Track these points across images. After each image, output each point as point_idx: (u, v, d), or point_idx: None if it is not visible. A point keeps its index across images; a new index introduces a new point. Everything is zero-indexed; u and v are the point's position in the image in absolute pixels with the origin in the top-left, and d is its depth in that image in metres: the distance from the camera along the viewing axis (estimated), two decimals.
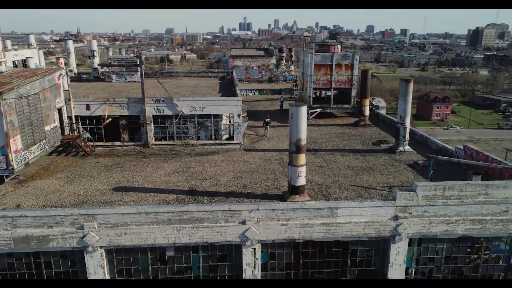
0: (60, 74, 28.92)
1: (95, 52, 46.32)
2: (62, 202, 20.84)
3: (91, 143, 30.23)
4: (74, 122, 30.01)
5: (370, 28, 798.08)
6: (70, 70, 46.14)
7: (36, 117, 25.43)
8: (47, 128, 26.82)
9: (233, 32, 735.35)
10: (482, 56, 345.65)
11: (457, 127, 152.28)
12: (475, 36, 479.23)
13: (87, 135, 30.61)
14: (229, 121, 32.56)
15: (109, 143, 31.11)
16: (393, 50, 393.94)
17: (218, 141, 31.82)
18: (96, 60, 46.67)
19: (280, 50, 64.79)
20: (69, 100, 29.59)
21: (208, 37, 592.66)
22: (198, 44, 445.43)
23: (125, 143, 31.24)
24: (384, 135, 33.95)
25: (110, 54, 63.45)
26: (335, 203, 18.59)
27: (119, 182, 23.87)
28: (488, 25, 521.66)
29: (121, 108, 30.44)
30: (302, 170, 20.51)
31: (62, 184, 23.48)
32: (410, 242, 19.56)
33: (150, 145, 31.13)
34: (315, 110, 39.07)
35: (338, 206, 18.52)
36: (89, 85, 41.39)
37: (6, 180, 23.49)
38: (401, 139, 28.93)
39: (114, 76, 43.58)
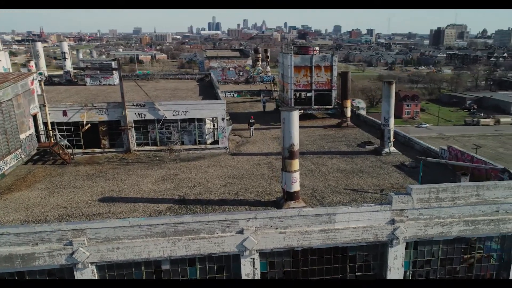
0: (33, 79, 27.47)
1: (66, 54, 44.43)
2: (46, 216, 19.64)
3: (70, 151, 28.85)
4: (50, 129, 28.56)
5: (337, 28, 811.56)
6: (40, 73, 44.13)
7: (10, 125, 24.00)
8: (22, 136, 25.39)
9: (202, 32, 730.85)
10: (445, 55, 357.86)
11: (427, 125, 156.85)
12: (437, 36, 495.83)
13: (65, 142, 29.19)
14: (213, 125, 31.89)
15: (89, 150, 29.82)
16: (361, 50, 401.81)
17: (202, 146, 31.10)
18: (68, 63, 44.82)
19: (256, 51, 64.43)
20: (44, 105, 28.13)
21: (177, 37, 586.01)
22: (168, 44, 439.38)
23: (105, 150, 30.02)
24: (367, 136, 34.15)
25: (81, 56, 61.25)
26: (332, 209, 18.34)
27: (105, 192, 22.79)
28: (448, 25, 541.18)
29: (100, 114, 29.21)
30: (296, 175, 20.18)
31: (43, 196, 22.18)
32: (407, 245, 19.57)
33: (132, 151, 30.05)
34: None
35: (336, 212, 18.28)
36: (62, 89, 39.68)
37: None
38: (386, 140, 29.14)
39: (88, 79, 41.99)
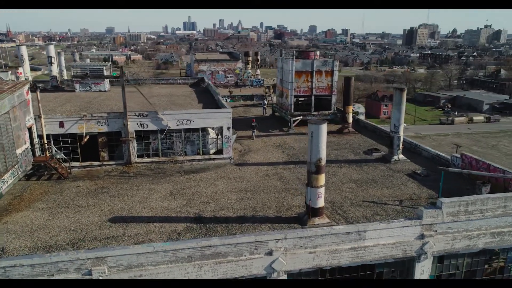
0: (29, 88, 25.74)
1: (53, 59, 42.28)
2: (56, 241, 18.19)
3: (66, 164, 27.19)
4: (45, 141, 26.84)
5: (312, 28, 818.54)
6: (25, 79, 41.86)
7: (7, 139, 22.29)
8: (18, 151, 23.68)
9: (177, 32, 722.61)
10: (418, 55, 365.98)
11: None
12: (410, 35, 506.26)
13: (61, 155, 27.51)
14: (217, 134, 30.83)
15: (87, 163, 28.21)
16: (337, 50, 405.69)
17: (206, 156, 29.97)
18: (55, 68, 42.66)
19: (246, 54, 63.47)
20: (40, 117, 26.41)
21: (152, 36, 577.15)
22: (142, 44, 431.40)
23: (104, 163, 28.47)
24: (371, 142, 33.81)
25: (62, 59, 58.65)
26: (363, 226, 17.71)
27: (113, 211, 21.44)
28: (420, 25, 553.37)
29: (100, 125, 27.67)
30: (322, 191, 19.44)
31: (46, 217, 20.65)
32: (433, 259, 19.18)
33: (133, 164, 28.62)
34: (296, 118, 38.26)
35: (366, 229, 17.66)
36: (51, 96, 37.65)
37: None
38: (395, 148, 28.82)
39: (77, 86, 40.04)
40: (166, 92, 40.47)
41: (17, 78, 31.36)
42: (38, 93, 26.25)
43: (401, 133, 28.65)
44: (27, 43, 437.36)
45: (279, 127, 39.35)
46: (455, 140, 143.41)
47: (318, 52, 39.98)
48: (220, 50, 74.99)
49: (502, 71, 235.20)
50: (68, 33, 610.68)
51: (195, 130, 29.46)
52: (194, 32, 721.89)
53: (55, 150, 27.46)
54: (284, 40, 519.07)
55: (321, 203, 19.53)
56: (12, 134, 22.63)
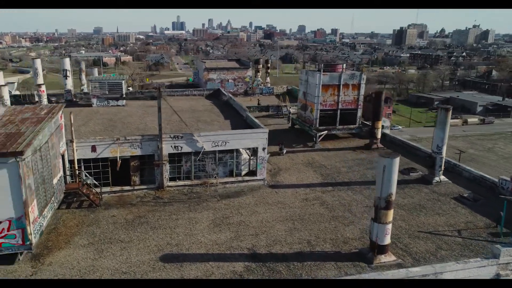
0: (61, 112, 24.34)
1: (68, 72, 40.59)
2: None
3: (97, 189, 25.80)
4: (76, 167, 25.44)
5: (302, 28, 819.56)
6: (40, 95, 40.20)
7: (47, 171, 20.92)
8: (54, 181, 22.28)
9: (166, 32, 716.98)
10: (408, 55, 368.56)
11: (400, 127, 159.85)
12: (399, 35, 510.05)
13: (92, 180, 26.12)
14: (249, 155, 29.73)
15: (117, 188, 26.86)
16: (327, 50, 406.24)
17: (239, 178, 28.85)
18: (69, 81, 40.99)
19: (257, 62, 62.35)
20: (72, 141, 24.99)
21: (141, 37, 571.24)
22: (131, 44, 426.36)
23: (136, 187, 27.15)
24: (404, 160, 32.95)
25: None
26: (440, 267, 16.87)
27: (161, 247, 20.22)
28: (409, 25, 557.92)
29: (133, 148, 26.34)
30: (390, 227, 18.50)
31: (91, 255, 19.34)
32: None
33: (165, 188, 27.37)
34: (322, 133, 37.33)
35: (443, 271, 16.81)
36: (69, 111, 36.07)
37: (19, 258, 18.83)
38: (437, 169, 28.05)
39: (94, 100, 38.52)
40: (186, 106, 39.16)
41: (39, 96, 29.76)
42: (71, 117, 24.83)
43: (444, 154, 27.87)
44: (14, 45, 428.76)
45: (303, 142, 38.34)
46: (450, 143, 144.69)
47: (344, 65, 39.04)
48: (229, 58, 73.65)
49: (494, 72, 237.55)
50: (56, 33, 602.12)
51: (229, 151, 28.31)
52: (183, 32, 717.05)
53: (85, 175, 26.06)
54: (274, 40, 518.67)
55: (388, 239, 18.60)
56: (50, 163, 21.24)
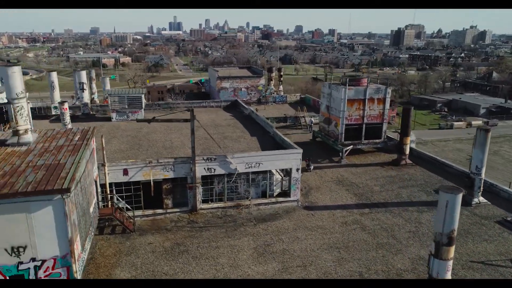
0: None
1: (84, 85, 39.65)
2: None
3: (130, 213, 24.94)
4: (108, 191, 24.59)
5: (299, 28, 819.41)
6: (56, 107, 39.28)
7: (86, 201, 20.04)
8: (91, 209, 21.40)
9: (163, 32, 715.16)
10: (407, 56, 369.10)
11: None
12: (397, 36, 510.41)
13: (124, 204, 25.24)
14: (281, 175, 28.97)
15: (150, 212, 26.02)
16: (326, 51, 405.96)
17: (273, 199, 28.06)
18: (86, 94, 40.03)
19: (269, 70, 61.54)
20: (103, 165, 24.13)
21: (138, 37, 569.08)
22: (129, 45, 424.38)
23: (168, 210, 26.31)
24: (437, 178, 32.29)
25: (83, 79, 55.66)
26: None
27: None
28: (407, 25, 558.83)
29: (166, 171, 25.50)
30: (451, 263, 17.74)
31: None
32: None
33: (198, 210, 26.54)
34: (348, 148, 36.61)
35: None
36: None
37: None
38: (476, 190, 27.38)
39: (114, 115, 37.65)
40: (207, 120, 38.36)
41: (63, 114, 28.82)
42: (103, 140, 23.97)
43: (483, 175, 27.20)
44: (11, 45, 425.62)
45: (328, 156, 37.62)
46: (456, 146, 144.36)
47: (367, 79, 38.36)
48: (239, 66, 72.86)
49: (494, 74, 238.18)
50: (52, 33, 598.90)
51: (262, 172, 27.51)
52: (180, 32, 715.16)
53: (117, 199, 25.19)
54: (272, 40, 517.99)
55: (449, 275, 17.84)
56: (87, 192, 20.37)
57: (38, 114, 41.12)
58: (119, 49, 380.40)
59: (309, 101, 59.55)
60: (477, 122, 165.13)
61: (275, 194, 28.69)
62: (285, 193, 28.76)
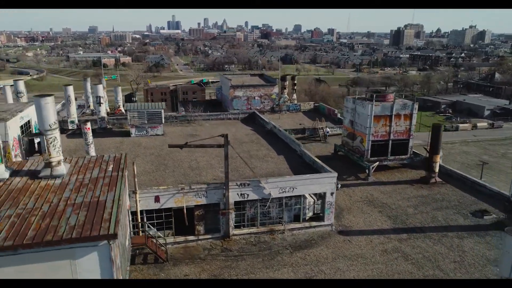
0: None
1: (102, 99, 38.51)
2: None
3: (161, 241, 23.91)
4: (139, 219, 23.55)
5: (297, 27, 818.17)
6: (72, 122, 38.17)
7: (124, 236, 19.00)
8: (127, 242, 20.35)
9: (162, 31, 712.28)
10: (408, 55, 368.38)
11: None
12: (397, 36, 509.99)
13: (156, 233, 24.21)
14: (313, 198, 27.98)
15: (182, 238, 25.00)
16: (326, 50, 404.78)
17: (306, 224, 27.08)
18: (103, 108, 38.91)
19: (283, 79, 60.50)
20: (135, 192, 23.09)
21: (137, 36, 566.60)
22: (129, 44, 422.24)
23: (200, 237, 25.28)
24: (471, 199, 31.33)
25: (101, 92, 54.50)
26: None
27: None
28: (406, 25, 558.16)
29: (198, 197, 24.47)
30: None
31: None
32: None
33: (231, 237, 25.52)
34: (374, 165, 35.64)
35: None
36: (110, 144, 34.13)
37: None
38: None
39: (133, 130, 36.57)
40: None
41: (85, 134, 27.65)
42: (135, 167, 22.91)
43: None
44: (10, 44, 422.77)
45: (353, 172, 36.66)
46: (463, 149, 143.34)
47: (393, 95, 37.42)
48: (251, 73, 71.78)
49: (497, 75, 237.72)
50: (50, 32, 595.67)
51: (295, 196, 26.51)
52: (179, 31, 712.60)
53: (148, 226, 24.15)
54: (271, 40, 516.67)
55: None
56: (124, 227, 19.32)
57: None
58: (119, 49, 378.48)
59: (323, 110, 58.59)
60: (483, 123, 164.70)
61: (307, 217, 27.72)
62: (317, 217, 27.81)
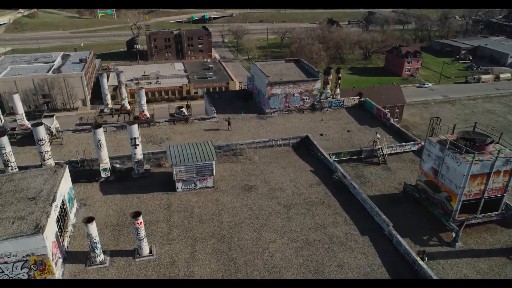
0: None
1: (137, 140, 31.97)
2: None
3: None
4: None
5: None
6: (105, 169, 32.21)
7: None
8: None
9: None
10: None
11: (429, 84, 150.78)
12: None
13: None
14: None
15: None
16: None
17: None
18: (139, 150, 32.55)
19: (326, 73, 52.79)
20: None
21: None
22: None
23: None
24: None
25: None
26: None
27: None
28: None
29: None
30: None
31: None
32: None
33: None
34: (461, 227, 30.63)
35: None
36: (154, 206, 28.68)
37: None
38: None
39: (179, 184, 30.88)
40: (287, 185, 31.59)
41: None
42: None
43: None
44: None
45: (433, 232, 31.56)
46: (486, 106, 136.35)
47: (493, 142, 31.16)
48: (285, 59, 63.15)
49: None
50: None
51: None
52: None
53: None
54: None
55: None
56: None
57: (80, 168, 33.74)
58: None
59: (370, 108, 52.04)
60: (506, 74, 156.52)
61: None
62: None
